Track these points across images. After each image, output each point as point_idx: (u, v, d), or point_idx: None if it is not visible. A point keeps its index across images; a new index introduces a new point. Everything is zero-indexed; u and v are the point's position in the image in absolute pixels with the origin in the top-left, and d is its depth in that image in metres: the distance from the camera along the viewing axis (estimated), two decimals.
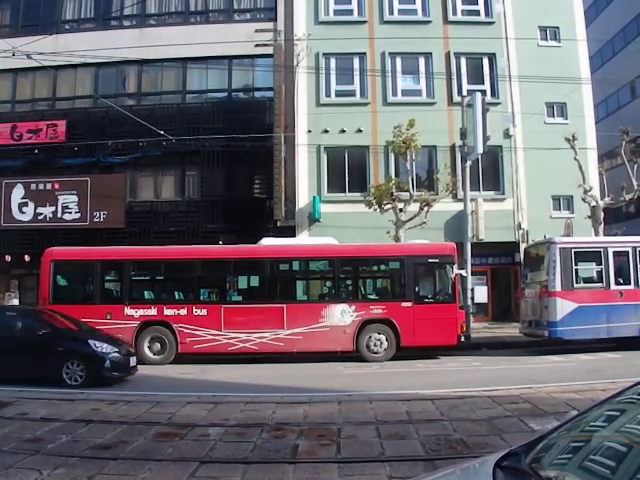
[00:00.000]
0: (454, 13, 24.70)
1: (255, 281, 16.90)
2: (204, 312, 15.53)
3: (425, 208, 20.02)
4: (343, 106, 23.87)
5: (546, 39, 24.54)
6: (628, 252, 16.51)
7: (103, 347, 11.87)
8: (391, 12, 24.81)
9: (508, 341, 18.23)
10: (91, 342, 11.92)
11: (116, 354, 11.95)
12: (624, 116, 32.43)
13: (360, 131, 23.72)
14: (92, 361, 11.65)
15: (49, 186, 24.06)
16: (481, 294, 20.89)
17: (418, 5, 24.91)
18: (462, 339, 15.55)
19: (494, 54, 24.29)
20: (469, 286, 18.33)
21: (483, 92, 21.61)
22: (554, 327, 15.69)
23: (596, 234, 19.98)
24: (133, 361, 12.57)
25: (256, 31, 24.47)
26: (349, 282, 16.73)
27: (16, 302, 24.48)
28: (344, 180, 23.93)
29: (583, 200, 20.73)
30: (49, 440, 7.18)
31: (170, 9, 26.02)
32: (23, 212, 24.01)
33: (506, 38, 24.25)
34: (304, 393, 10.53)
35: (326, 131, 23.76)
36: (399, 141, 20.03)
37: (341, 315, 15.49)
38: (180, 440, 7.25)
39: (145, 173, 25.41)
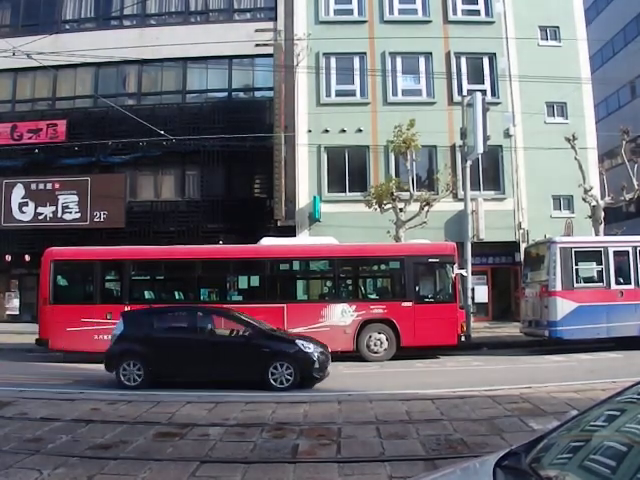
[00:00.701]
0: (454, 13, 24.70)
1: (255, 281, 16.90)
2: None
3: (425, 208, 20.01)
4: (343, 106, 23.87)
5: (546, 39, 24.53)
6: (628, 252, 16.51)
7: (310, 347, 11.45)
8: (391, 12, 24.81)
9: (508, 341, 18.22)
10: (298, 342, 11.56)
11: (321, 354, 11.52)
12: (624, 116, 32.43)
13: (360, 131, 23.72)
14: (302, 362, 11.19)
15: (49, 186, 24.07)
16: (481, 294, 20.91)
17: (418, 5, 24.91)
18: (462, 339, 15.55)
19: (494, 54, 24.28)
20: (469, 286, 18.33)
21: (483, 92, 21.61)
22: (554, 327, 15.69)
23: (596, 234, 19.97)
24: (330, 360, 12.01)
25: (256, 31, 24.46)
26: (349, 282, 16.73)
27: (16, 302, 24.54)
28: (344, 180, 23.92)
29: (583, 200, 20.72)
30: (49, 440, 7.18)
31: (170, 9, 26.02)
32: (23, 212, 24.02)
33: (506, 38, 24.25)
34: (304, 393, 10.53)
35: (326, 131, 23.76)
36: (399, 141, 20.02)
37: (341, 315, 15.49)
38: (180, 440, 7.25)
39: (145, 173, 25.41)
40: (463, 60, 24.46)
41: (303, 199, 23.67)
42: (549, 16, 24.29)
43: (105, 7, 26.19)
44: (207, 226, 23.68)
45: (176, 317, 12.72)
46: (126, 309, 15.41)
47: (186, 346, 11.41)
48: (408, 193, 20.36)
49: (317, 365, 11.27)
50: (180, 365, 11.31)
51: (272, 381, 11.14)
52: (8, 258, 24.47)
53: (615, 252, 16.51)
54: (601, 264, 16.42)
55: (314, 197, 23.36)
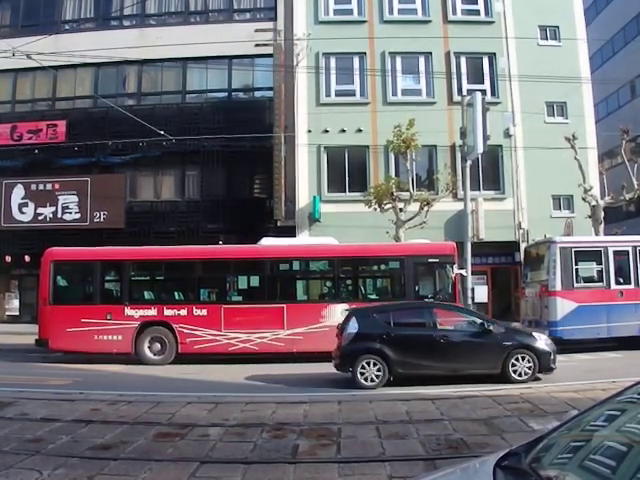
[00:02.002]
0: (454, 13, 24.69)
1: (255, 281, 16.90)
2: (204, 312, 15.53)
3: (425, 208, 20.01)
4: (343, 106, 23.86)
5: (546, 38, 24.53)
6: (628, 251, 16.51)
7: (542, 338, 11.62)
8: (391, 12, 24.80)
9: None
10: (535, 335, 11.70)
11: (551, 345, 11.64)
12: (624, 115, 32.42)
13: (360, 131, 23.71)
14: (540, 354, 11.26)
15: (49, 186, 24.08)
16: (481, 294, 20.84)
17: (418, 5, 24.90)
18: None
19: (494, 53, 24.28)
20: (469, 286, 18.28)
21: (483, 92, 21.58)
22: (554, 327, 15.69)
23: (596, 234, 19.97)
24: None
25: (256, 31, 24.46)
26: (349, 282, 16.73)
27: (16, 303, 24.54)
28: (344, 180, 23.92)
29: (583, 199, 20.72)
30: (49, 440, 7.17)
31: (170, 9, 26.03)
32: (23, 212, 24.02)
33: (506, 37, 24.24)
34: (304, 393, 10.54)
35: (326, 131, 23.75)
36: (399, 141, 20.02)
37: (341, 315, 15.39)
38: (180, 440, 7.25)
39: (145, 173, 25.41)
40: (463, 60, 24.45)
41: (303, 199, 23.67)
42: (549, 16, 24.28)
43: (105, 7, 26.19)
44: (207, 226, 23.69)
45: (409, 313, 12.55)
46: (126, 310, 15.50)
47: (424, 342, 11.36)
48: (408, 193, 20.36)
49: (552, 356, 11.41)
50: (419, 361, 11.23)
51: (512, 374, 11.17)
52: (8, 259, 24.47)
53: (615, 252, 16.51)
54: (601, 264, 16.43)
55: (314, 197, 23.35)
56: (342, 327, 11.87)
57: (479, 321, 11.79)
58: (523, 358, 11.21)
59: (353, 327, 11.51)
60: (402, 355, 11.12)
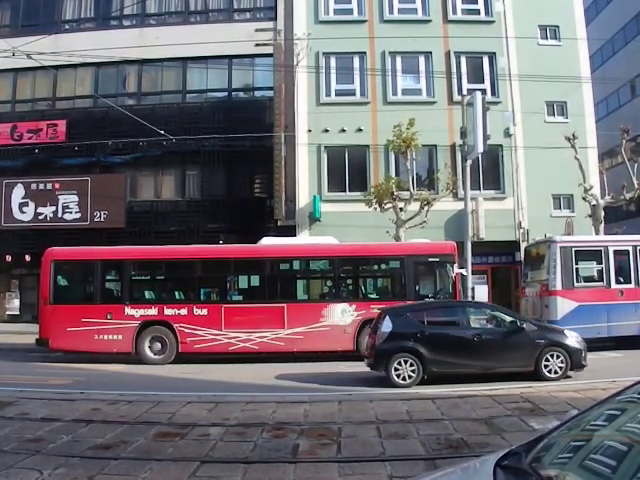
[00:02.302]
0: (454, 12, 24.67)
1: (255, 281, 16.91)
2: (204, 312, 15.53)
3: (425, 207, 20.01)
4: (343, 105, 23.86)
5: (546, 38, 24.51)
6: (628, 251, 16.52)
7: (573, 335, 11.69)
8: (391, 11, 24.79)
9: None
10: (566, 332, 11.79)
11: (582, 342, 11.71)
12: (624, 115, 32.42)
13: (360, 130, 23.71)
14: (572, 351, 11.37)
15: (49, 186, 24.07)
16: (481, 293, 20.81)
17: (418, 4, 24.88)
18: None
19: (494, 53, 24.27)
20: (469, 285, 18.27)
21: (483, 91, 21.55)
22: None
23: (596, 233, 19.97)
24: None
25: (256, 30, 24.45)
26: (349, 281, 16.74)
27: (17, 302, 24.55)
28: (344, 179, 23.91)
29: (583, 199, 20.72)
30: (50, 440, 7.18)
31: (170, 9, 26.00)
32: (23, 212, 24.02)
33: (506, 37, 24.23)
34: (304, 392, 10.54)
35: (326, 130, 23.75)
36: (399, 140, 20.02)
37: (341, 314, 15.49)
38: (181, 440, 7.25)
39: (145, 173, 25.39)
40: (463, 59, 24.43)
41: (303, 199, 23.66)
42: (549, 15, 24.26)
43: (105, 7, 26.17)
44: (207, 226, 23.68)
45: (443, 312, 12.64)
46: (127, 309, 15.51)
47: (458, 340, 11.42)
48: (408, 192, 20.36)
49: (583, 354, 11.48)
50: (453, 360, 11.28)
51: (545, 372, 11.26)
52: (8, 258, 24.47)
53: (615, 251, 16.52)
54: (601, 263, 16.44)
55: (314, 197, 23.35)
56: (375, 326, 11.95)
57: (512, 319, 11.89)
58: (556, 356, 11.35)
59: (387, 326, 11.56)
60: (436, 353, 11.19)
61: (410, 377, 11.15)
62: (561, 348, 11.39)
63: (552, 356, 11.31)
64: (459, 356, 11.23)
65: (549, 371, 11.25)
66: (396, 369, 11.19)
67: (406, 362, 11.18)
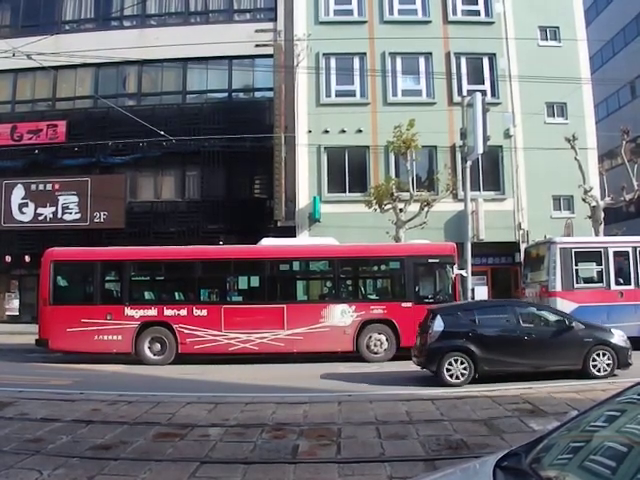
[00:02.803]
0: (454, 13, 24.69)
1: (255, 281, 16.89)
2: (204, 312, 15.51)
3: (425, 208, 20.02)
4: (343, 106, 23.86)
5: (546, 39, 24.53)
6: (628, 252, 16.51)
7: (621, 335, 11.74)
8: (391, 12, 24.80)
9: None
10: (613, 331, 11.83)
11: (627, 341, 11.75)
12: (624, 116, 32.42)
13: (360, 131, 23.71)
14: (618, 349, 11.45)
15: (49, 186, 24.08)
16: (481, 294, 20.86)
17: (418, 5, 24.90)
18: None
19: (494, 54, 24.28)
20: (469, 286, 18.28)
21: (483, 92, 21.57)
22: None
23: (596, 234, 19.96)
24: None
25: (256, 31, 24.46)
26: (349, 282, 16.72)
27: (16, 303, 24.54)
28: (344, 180, 23.91)
29: (583, 200, 20.72)
30: (49, 440, 7.18)
31: (170, 9, 26.03)
32: (23, 212, 24.02)
33: (506, 38, 24.24)
34: (304, 393, 10.53)
35: (326, 131, 23.75)
36: (399, 141, 20.02)
37: (341, 315, 15.48)
38: (180, 440, 7.25)
39: (145, 173, 25.40)
40: (463, 60, 24.45)
41: (303, 199, 23.67)
42: (549, 16, 24.28)
43: (105, 8, 26.18)
44: (207, 227, 23.69)
45: (493, 311, 12.65)
46: (127, 310, 15.50)
47: (509, 339, 11.45)
48: (408, 193, 20.36)
49: (629, 352, 11.55)
50: (504, 358, 11.30)
51: (593, 370, 11.32)
52: (8, 259, 24.47)
53: (615, 252, 16.51)
54: (601, 264, 16.42)
55: (314, 197, 23.35)
56: (425, 326, 12.01)
57: (561, 318, 11.96)
58: (603, 354, 11.40)
59: (439, 325, 11.57)
60: (487, 352, 11.22)
61: (462, 376, 11.20)
62: (608, 346, 11.47)
63: (600, 354, 11.39)
64: (510, 355, 11.28)
65: (597, 370, 11.33)
66: (448, 368, 11.24)
67: (457, 361, 11.24)
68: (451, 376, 11.19)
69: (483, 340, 11.31)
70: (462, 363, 11.19)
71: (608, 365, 11.34)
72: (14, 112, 26.10)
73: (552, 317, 12.06)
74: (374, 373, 13.42)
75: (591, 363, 11.34)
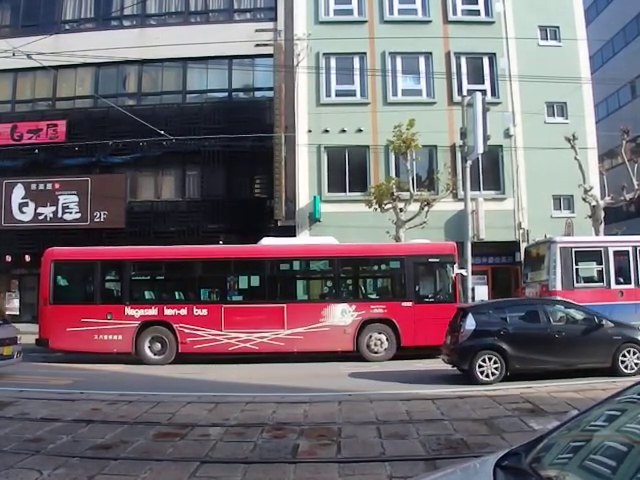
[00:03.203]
0: (454, 13, 24.68)
1: (255, 281, 16.89)
2: (204, 312, 15.52)
3: (425, 208, 20.02)
4: (343, 106, 23.85)
5: (546, 39, 24.52)
6: (628, 252, 16.53)
7: None
8: (391, 12, 24.79)
9: None
10: None
11: None
12: (624, 116, 32.42)
13: (360, 131, 23.71)
14: None
15: (49, 186, 24.06)
16: (482, 294, 20.89)
17: (418, 5, 24.89)
18: None
19: (494, 54, 24.27)
20: (470, 286, 18.30)
21: (483, 92, 21.56)
22: None
23: (596, 234, 19.96)
24: None
25: (256, 31, 24.45)
26: (349, 282, 16.72)
27: (16, 302, 24.53)
28: (344, 180, 23.91)
29: (583, 200, 20.71)
30: (50, 440, 7.18)
31: (170, 9, 26.02)
32: (23, 212, 24.01)
33: (506, 38, 24.23)
34: (304, 393, 10.53)
35: (326, 131, 23.75)
36: (399, 141, 20.02)
37: (341, 315, 15.49)
38: (180, 440, 7.25)
39: (145, 173, 25.41)
40: (463, 60, 24.44)
41: (303, 199, 23.67)
42: (549, 16, 24.27)
43: (105, 7, 26.17)
44: (207, 226, 23.69)
45: (524, 309, 12.66)
46: (127, 309, 15.50)
47: (540, 337, 11.48)
48: (408, 193, 20.36)
49: None
50: (536, 356, 11.37)
51: (622, 367, 11.38)
52: (8, 258, 24.47)
53: (615, 252, 16.53)
54: (601, 264, 16.44)
55: (314, 197, 23.35)
56: (457, 324, 12.12)
57: (590, 316, 11.98)
58: (632, 352, 11.49)
59: (470, 324, 11.65)
60: (519, 350, 11.28)
61: (493, 374, 11.26)
62: (637, 344, 11.57)
63: (629, 352, 11.47)
64: (541, 353, 11.34)
65: (625, 367, 11.38)
66: (480, 366, 11.30)
67: (490, 359, 11.30)
68: (483, 374, 11.27)
69: (514, 338, 11.38)
70: (495, 362, 11.27)
71: (636, 364, 11.40)
72: (14, 112, 26.09)
73: (581, 315, 12.12)
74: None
75: (620, 361, 11.38)
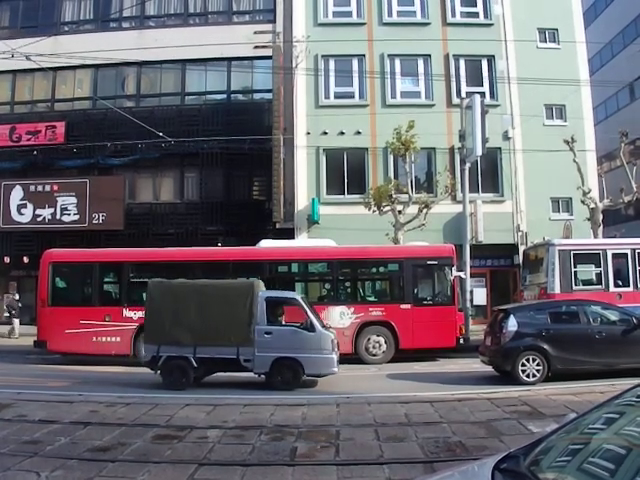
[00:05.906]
0: (453, 15, 24.70)
1: None
2: None
3: (424, 210, 20.02)
4: (342, 108, 23.84)
5: (545, 41, 24.54)
6: (627, 254, 16.52)
7: None
8: (390, 14, 24.81)
9: None
10: None
11: None
12: (623, 118, 32.48)
13: (359, 133, 23.71)
14: None
15: (48, 188, 24.01)
16: (480, 296, 20.85)
17: (417, 7, 24.91)
18: (461, 341, 15.53)
19: (493, 56, 24.30)
20: (468, 288, 18.31)
21: (482, 94, 21.57)
22: None
23: (595, 236, 19.96)
24: None
25: (255, 33, 24.48)
26: (348, 284, 16.72)
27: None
28: (343, 182, 23.91)
29: (582, 202, 20.70)
30: (48, 442, 7.17)
31: (169, 11, 26.03)
32: (22, 214, 23.97)
33: (505, 40, 24.27)
34: (303, 395, 10.52)
35: (325, 133, 23.75)
36: (398, 143, 20.03)
37: (340, 317, 15.48)
38: (178, 442, 7.24)
39: (144, 175, 25.39)
40: (462, 62, 24.45)
41: (302, 201, 23.66)
42: (548, 18, 24.29)
43: (104, 9, 26.20)
44: (206, 228, 23.67)
45: (565, 310, 12.75)
46: (125, 311, 15.48)
47: (581, 338, 11.54)
48: (407, 195, 20.35)
49: None
50: (577, 357, 11.40)
51: None
52: (7, 260, 24.44)
53: (614, 254, 16.53)
54: (600, 266, 16.44)
55: (313, 199, 23.33)
56: (496, 326, 12.20)
57: (628, 317, 12.06)
58: None
59: (512, 325, 11.74)
60: (560, 351, 11.36)
61: (535, 375, 11.33)
62: None
63: None
64: (582, 353, 11.39)
65: None
66: (523, 365, 11.37)
67: (532, 360, 11.37)
68: (525, 374, 11.34)
69: (556, 339, 11.46)
70: (537, 363, 11.35)
71: None
72: (13, 113, 26.10)
73: (619, 316, 12.20)
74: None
75: None
